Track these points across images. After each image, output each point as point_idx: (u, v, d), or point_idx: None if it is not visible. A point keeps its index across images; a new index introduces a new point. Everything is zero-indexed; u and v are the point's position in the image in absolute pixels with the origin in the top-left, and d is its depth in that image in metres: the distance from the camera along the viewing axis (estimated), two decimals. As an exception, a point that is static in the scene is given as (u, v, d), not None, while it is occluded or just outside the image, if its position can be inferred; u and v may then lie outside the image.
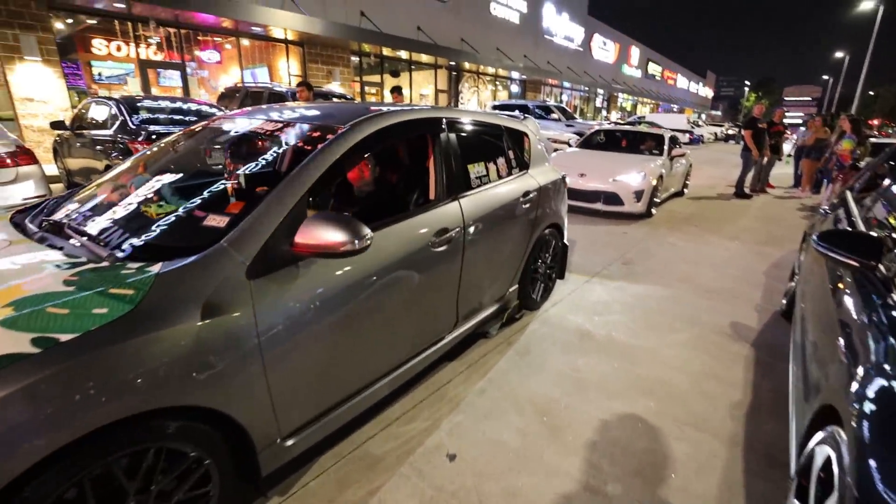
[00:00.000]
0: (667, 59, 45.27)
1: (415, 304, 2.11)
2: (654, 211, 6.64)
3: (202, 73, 12.72)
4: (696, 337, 3.32)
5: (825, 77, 60.69)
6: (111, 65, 11.00)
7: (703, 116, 54.53)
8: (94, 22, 10.62)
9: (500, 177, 2.79)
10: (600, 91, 32.94)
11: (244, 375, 1.45)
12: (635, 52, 36.71)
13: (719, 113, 76.93)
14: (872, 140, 9.40)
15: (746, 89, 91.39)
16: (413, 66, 18.36)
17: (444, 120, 2.41)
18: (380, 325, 1.93)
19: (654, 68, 41.69)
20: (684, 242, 5.68)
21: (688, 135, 24.64)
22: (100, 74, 10.95)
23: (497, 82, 23.54)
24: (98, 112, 6.50)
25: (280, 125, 2.11)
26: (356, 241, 1.55)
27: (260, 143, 2.09)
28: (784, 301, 3.81)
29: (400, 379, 2.20)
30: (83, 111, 6.90)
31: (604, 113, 35.18)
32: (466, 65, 19.78)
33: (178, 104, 6.71)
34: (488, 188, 2.64)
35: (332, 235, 1.52)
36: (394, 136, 2.14)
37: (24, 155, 4.76)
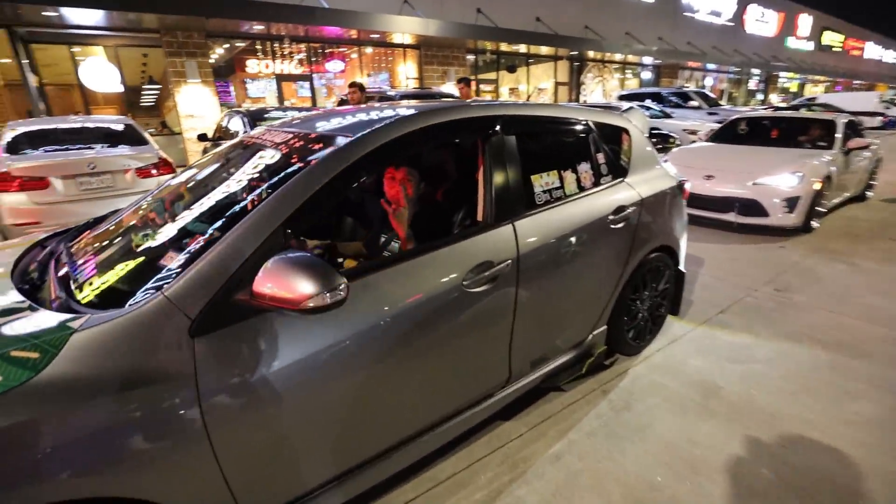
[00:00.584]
0: (850, 25, 37.14)
1: (440, 361, 1.63)
2: (815, 223, 5.07)
3: (335, 82, 13.59)
4: (893, 411, 2.27)
5: None
6: (255, 81, 12.29)
7: (902, 92, 43.74)
8: (242, 44, 11.95)
9: (581, 189, 2.15)
10: (755, 71, 28.22)
11: (186, 458, 1.13)
12: (805, 21, 30.69)
13: (927, 87, 61.30)
14: None
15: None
16: (531, 60, 17.56)
17: (498, 119, 1.87)
18: (383, 387, 1.48)
19: (831, 38, 34.48)
20: (870, 264, 4.23)
21: (879, 118, 19.79)
22: (247, 90, 12.31)
23: (626, 70, 21.48)
24: (233, 124, 7.12)
25: (275, 139, 1.78)
26: (326, 295, 1.13)
27: (243, 163, 1.77)
28: None
29: (424, 448, 1.73)
30: (222, 123, 7.65)
31: (759, 97, 30.12)
32: (591, 53, 18.31)
33: (299, 112, 7.06)
34: (561, 205, 2.03)
35: (293, 285, 1.13)
36: (422, 144, 1.68)
37: (164, 166, 5.30)
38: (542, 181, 1.98)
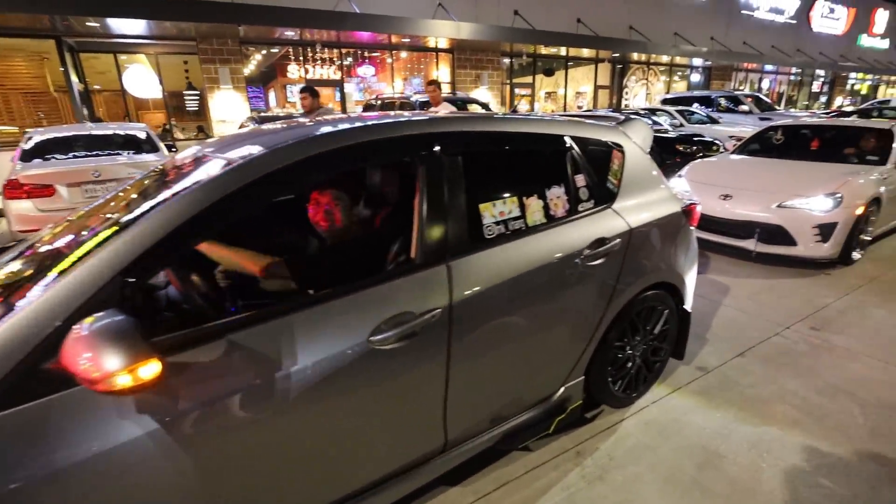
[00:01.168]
0: (934, 22, 33.69)
1: (339, 431, 1.36)
2: (857, 254, 4.25)
3: (370, 85, 13.62)
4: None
5: None
6: (294, 87, 12.50)
7: None
8: (277, 50, 12.17)
9: (550, 218, 1.82)
10: (820, 72, 26.11)
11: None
12: (882, 17, 28.09)
13: None
14: None
15: None
16: (570, 63, 16.93)
17: (434, 137, 1.57)
18: (252, 470, 1.23)
19: (911, 35, 31.39)
20: (936, 298, 3.60)
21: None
22: (275, 95, 12.54)
23: (673, 72, 20.38)
24: (252, 130, 7.16)
25: (178, 165, 1.56)
26: (122, 376, 0.89)
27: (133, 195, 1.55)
28: None
29: None
30: (242, 129, 7.73)
31: (822, 99, 27.86)
32: (634, 55, 17.47)
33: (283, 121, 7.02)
34: (520, 239, 1.71)
35: (89, 359, 0.89)
36: (329, 170, 1.43)
37: (176, 173, 5.32)
38: (495, 211, 1.67)
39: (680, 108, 12.85)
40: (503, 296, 1.63)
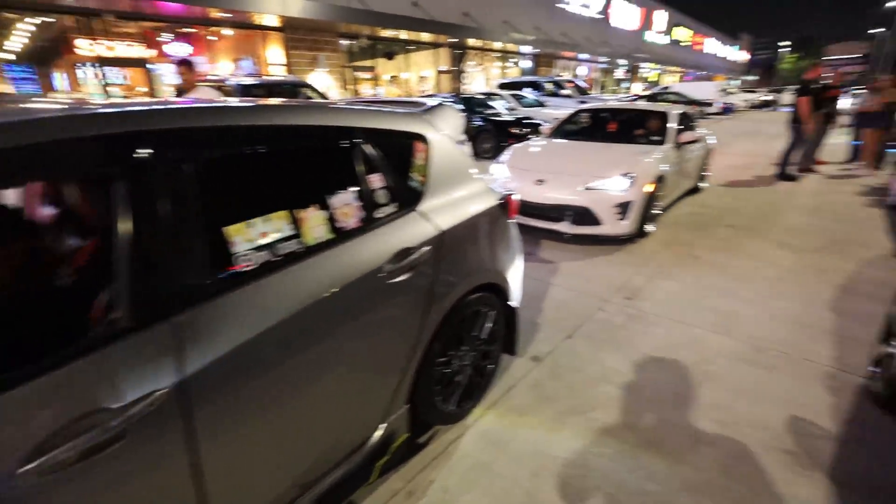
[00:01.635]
0: (696, 22, 41.52)
1: None
2: (650, 227, 4.63)
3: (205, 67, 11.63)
4: (734, 458, 1.93)
5: (880, 30, 54.85)
6: (86, 66, 10.05)
7: (739, 82, 50.34)
8: (52, 20, 9.64)
9: (336, 232, 1.45)
10: (621, 62, 30.29)
11: None
12: (660, 17, 33.58)
13: (755, 77, 71.45)
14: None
15: (785, 51, 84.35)
16: (412, 47, 16.80)
17: (150, 136, 1.08)
18: None
19: (680, 33, 38.22)
20: (712, 255, 4.17)
21: (719, 105, 22.17)
22: (64, 77, 10.03)
23: (506, 58, 21.64)
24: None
25: None
26: None
27: None
28: (875, 373, 2.35)
29: None
30: None
31: (624, 85, 32.48)
32: (471, 41, 18.04)
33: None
34: (296, 266, 1.31)
35: None
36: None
37: None
38: (253, 233, 1.24)
39: (514, 92, 13.60)
40: (274, 344, 1.22)
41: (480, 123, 10.25)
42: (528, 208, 4.40)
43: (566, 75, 25.85)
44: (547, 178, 4.37)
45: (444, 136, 1.91)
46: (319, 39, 13.24)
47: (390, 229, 1.59)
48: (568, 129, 5.82)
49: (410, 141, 1.77)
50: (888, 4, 37.80)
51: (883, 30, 52.17)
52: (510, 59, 22.18)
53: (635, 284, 3.63)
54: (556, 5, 22.92)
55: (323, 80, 13.39)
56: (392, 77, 16.25)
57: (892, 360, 2.25)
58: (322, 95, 8.94)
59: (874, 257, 4.11)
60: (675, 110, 5.42)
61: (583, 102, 13.50)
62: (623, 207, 4.13)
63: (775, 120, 17.35)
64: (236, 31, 12.25)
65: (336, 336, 1.40)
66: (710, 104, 20.71)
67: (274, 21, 11.94)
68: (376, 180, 1.60)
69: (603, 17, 26.62)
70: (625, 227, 4.20)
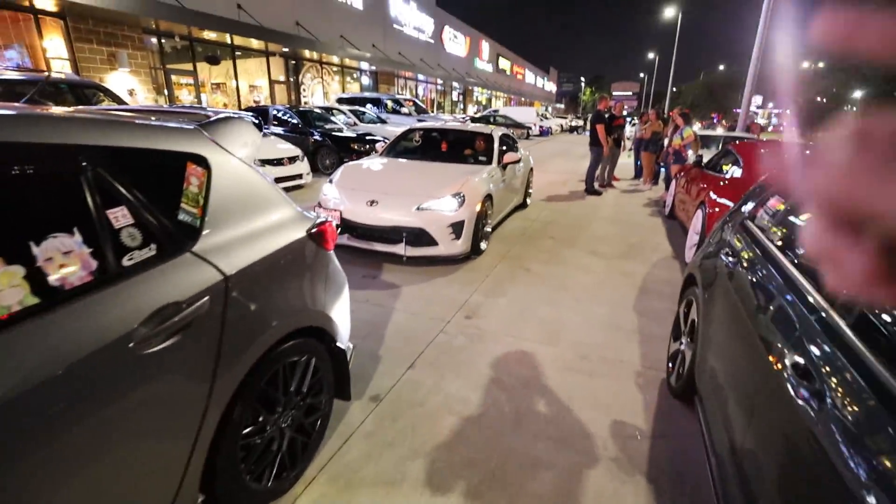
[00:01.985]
0: (515, 55, 46.95)
1: None
2: (484, 245, 4.68)
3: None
4: (569, 476, 1.92)
5: (641, 75, 69.25)
6: None
7: (550, 109, 58.31)
8: None
9: (51, 294, 0.99)
10: (455, 84, 32.49)
11: None
12: (486, 47, 37.06)
13: (562, 106, 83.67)
14: (699, 132, 9.54)
15: (583, 84, 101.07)
16: (238, 53, 15.31)
17: None
18: None
19: (504, 63, 42.78)
20: (541, 267, 4.47)
21: (539, 127, 25.24)
22: None
23: (345, 73, 21.30)
24: None
25: None
26: None
27: None
28: (671, 369, 2.65)
29: None
30: None
31: (460, 106, 34.92)
32: (307, 53, 17.25)
33: None
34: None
35: None
36: None
37: None
38: None
39: (354, 107, 13.34)
40: None
41: (319, 139, 9.74)
42: (363, 231, 4.17)
43: (406, 94, 26.64)
44: (380, 198, 4.17)
45: (232, 157, 1.53)
46: (118, 33, 11.10)
47: (144, 281, 1.16)
48: (400, 148, 5.76)
49: (180, 163, 1.35)
50: (648, 56, 47.96)
51: (642, 75, 66.18)
52: (351, 75, 21.89)
53: (474, 302, 3.64)
54: (393, 26, 23.49)
55: (126, 81, 11.27)
56: (216, 84, 14.53)
57: (679, 355, 2.56)
58: (119, 100, 7.42)
59: (660, 259, 4.89)
60: (498, 132, 5.75)
61: (421, 121, 13.95)
62: (456, 227, 4.15)
63: (582, 142, 20.37)
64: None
65: (61, 437, 0.92)
66: (530, 127, 23.38)
67: (47, 4, 9.62)
68: (119, 216, 1.15)
69: (435, 41, 28.20)
70: (460, 246, 4.22)
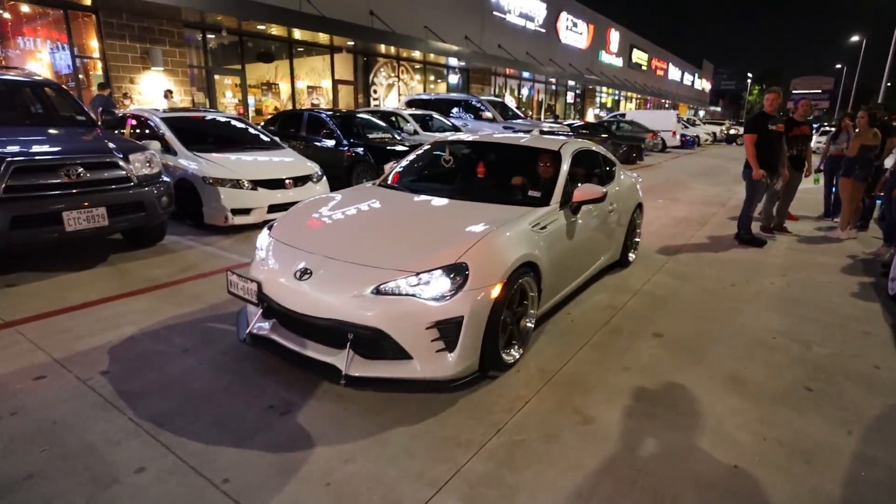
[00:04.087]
0: (655, 46, 43.79)
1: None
2: (514, 353, 3.03)
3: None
4: None
5: (838, 66, 60.84)
6: None
7: (702, 113, 53.39)
8: None
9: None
10: (572, 83, 30.68)
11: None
12: (615, 36, 34.79)
13: (719, 109, 76.84)
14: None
15: (749, 82, 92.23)
16: (300, 49, 15.38)
17: None
18: None
19: (639, 56, 39.95)
20: (620, 414, 2.66)
21: (679, 137, 22.39)
22: None
23: (429, 71, 20.79)
24: None
25: None
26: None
27: None
28: None
29: None
30: None
31: (594, 110, 32.91)
32: (381, 48, 16.93)
33: None
34: None
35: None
36: None
37: None
38: None
39: (422, 111, 12.39)
40: None
41: (359, 151, 8.76)
42: (287, 320, 2.78)
43: (507, 95, 25.54)
44: (317, 265, 2.74)
45: None
46: (155, 28, 11.43)
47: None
48: (412, 172, 4.29)
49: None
50: (852, 39, 41.59)
51: (839, 66, 57.87)
52: (437, 73, 21.36)
53: (460, 497, 2.00)
54: (494, 13, 22.66)
55: (159, 82, 11.52)
56: (266, 85, 14.60)
57: None
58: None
59: (881, 415, 2.76)
60: (572, 147, 3.99)
61: (508, 129, 12.52)
62: (447, 329, 2.55)
63: (740, 156, 17.32)
64: (34, 9, 10.22)
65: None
66: (664, 137, 20.66)
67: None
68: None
69: (547, 31, 26.83)
70: (452, 365, 2.59)
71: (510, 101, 25.67)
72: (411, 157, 4.45)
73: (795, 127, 6.58)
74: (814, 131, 15.47)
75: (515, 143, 4.41)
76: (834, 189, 7.76)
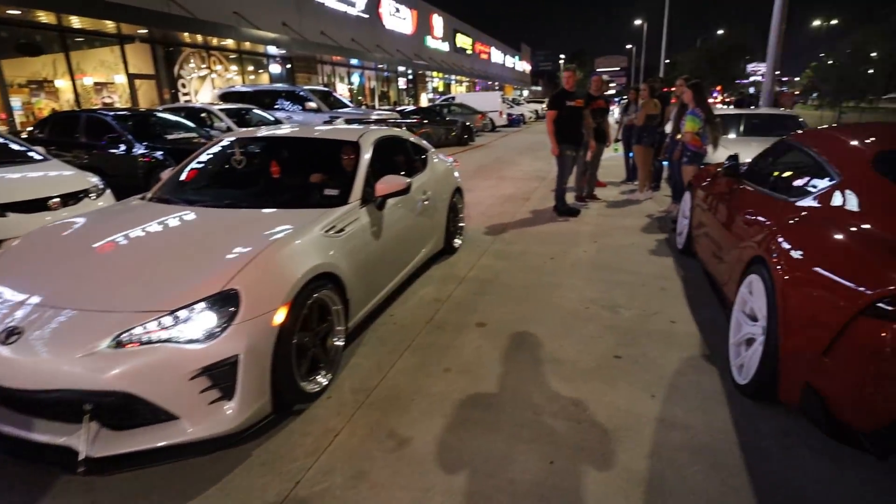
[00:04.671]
0: (477, 31, 45.60)
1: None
2: (321, 380, 2.62)
3: None
4: None
5: (629, 46, 69.28)
6: None
7: (526, 93, 57.25)
8: None
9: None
10: (402, 69, 30.66)
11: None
12: (438, 21, 35.44)
13: (540, 88, 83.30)
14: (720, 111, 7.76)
15: (562, 62, 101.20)
16: (77, 38, 12.99)
17: None
18: None
19: (463, 41, 41.30)
20: (442, 431, 2.40)
21: (506, 116, 23.56)
22: None
23: (246, 61, 19.12)
24: None
25: None
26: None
27: None
28: None
29: None
30: None
31: (423, 95, 33.07)
32: (186, 36, 15.02)
33: None
34: None
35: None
36: None
37: None
38: None
39: (241, 105, 11.22)
40: None
41: (159, 156, 7.58)
42: (-6, 396, 2.06)
43: (339, 84, 24.67)
44: (31, 320, 2.05)
45: None
46: None
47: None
48: (191, 182, 3.59)
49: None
50: (636, 22, 47.44)
51: (629, 47, 66.14)
52: (257, 63, 19.74)
53: None
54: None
55: None
56: (34, 83, 12.04)
57: None
58: None
59: (681, 366, 2.89)
60: (373, 137, 3.62)
61: (336, 118, 11.92)
62: (221, 375, 2.06)
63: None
64: None
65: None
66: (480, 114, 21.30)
67: None
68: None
69: (370, 16, 26.32)
70: (229, 417, 2.09)
71: (343, 90, 24.88)
72: (192, 160, 3.75)
73: (593, 101, 7.02)
74: (617, 104, 17.21)
75: (310, 136, 3.94)
76: (631, 155, 8.54)
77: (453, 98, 24.16)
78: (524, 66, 68.86)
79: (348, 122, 10.89)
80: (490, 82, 46.04)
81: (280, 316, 2.24)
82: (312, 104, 12.20)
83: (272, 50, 19.08)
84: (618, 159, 9.57)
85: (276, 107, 12.68)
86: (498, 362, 3.00)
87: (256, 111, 10.87)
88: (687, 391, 2.70)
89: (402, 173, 3.76)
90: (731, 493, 1.99)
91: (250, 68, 19.30)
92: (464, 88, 41.08)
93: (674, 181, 6.32)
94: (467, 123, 17.06)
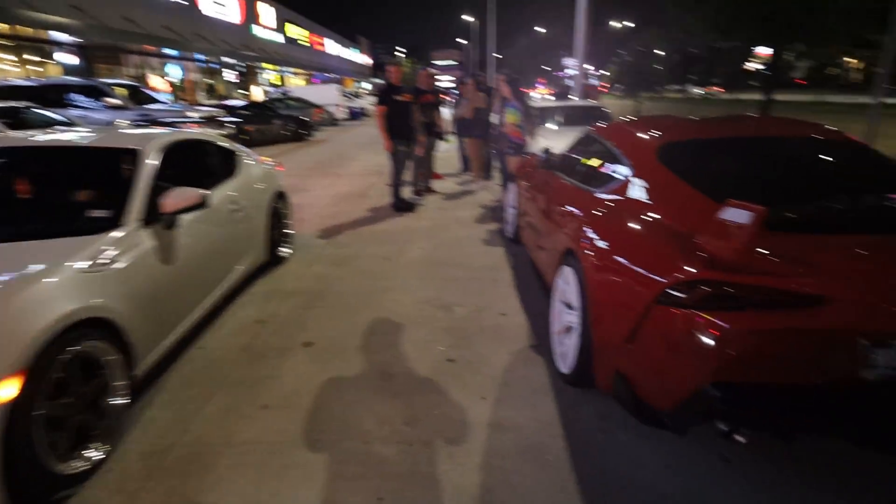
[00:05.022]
0: (311, 22, 43.73)
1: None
2: (87, 458, 2.03)
3: None
4: None
5: (461, 41, 72.10)
6: None
7: (369, 86, 56.60)
8: None
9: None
10: (230, 60, 28.22)
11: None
12: (267, 11, 33.21)
13: (383, 81, 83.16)
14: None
15: (403, 55, 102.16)
16: None
17: None
18: None
19: (296, 31, 39.34)
20: (254, 486, 2.05)
21: (347, 110, 22.95)
22: None
23: (27, 50, 15.99)
24: None
25: None
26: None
27: None
28: None
29: None
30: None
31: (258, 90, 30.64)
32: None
33: None
34: None
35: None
36: None
37: None
38: None
39: (14, 104, 9.18)
40: None
41: None
42: None
43: (155, 77, 21.87)
44: None
45: None
46: None
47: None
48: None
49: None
50: (468, 18, 49.34)
51: (464, 41, 69.04)
52: (45, 53, 16.57)
53: None
54: (108, -21, 18.59)
55: None
56: None
57: None
58: None
59: (514, 360, 2.87)
60: (158, 143, 3.00)
61: (145, 116, 10.45)
62: None
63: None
64: None
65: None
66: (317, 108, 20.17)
67: None
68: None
69: (189, 3, 23.72)
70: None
71: (160, 84, 22.10)
72: None
73: (422, 95, 6.95)
74: (441, 98, 17.58)
75: (73, 144, 3.20)
76: (463, 143, 8.70)
77: (288, 92, 22.86)
78: (365, 59, 68.09)
79: (156, 122, 9.56)
80: (329, 75, 44.62)
81: (9, 390, 1.69)
82: (114, 101, 10.46)
83: (62, 37, 16.17)
84: (454, 151, 9.74)
85: (69, 104, 10.68)
86: (325, 388, 2.70)
87: (37, 109, 9.00)
88: (517, 387, 2.68)
89: (206, 182, 3.24)
90: (559, 491, 1.96)
91: (36, 58, 16.16)
92: (302, 81, 39.24)
93: (503, 170, 6.52)
94: (304, 118, 16.22)
